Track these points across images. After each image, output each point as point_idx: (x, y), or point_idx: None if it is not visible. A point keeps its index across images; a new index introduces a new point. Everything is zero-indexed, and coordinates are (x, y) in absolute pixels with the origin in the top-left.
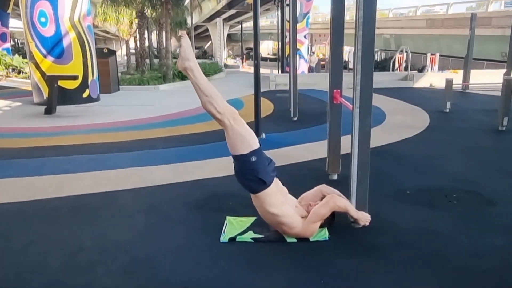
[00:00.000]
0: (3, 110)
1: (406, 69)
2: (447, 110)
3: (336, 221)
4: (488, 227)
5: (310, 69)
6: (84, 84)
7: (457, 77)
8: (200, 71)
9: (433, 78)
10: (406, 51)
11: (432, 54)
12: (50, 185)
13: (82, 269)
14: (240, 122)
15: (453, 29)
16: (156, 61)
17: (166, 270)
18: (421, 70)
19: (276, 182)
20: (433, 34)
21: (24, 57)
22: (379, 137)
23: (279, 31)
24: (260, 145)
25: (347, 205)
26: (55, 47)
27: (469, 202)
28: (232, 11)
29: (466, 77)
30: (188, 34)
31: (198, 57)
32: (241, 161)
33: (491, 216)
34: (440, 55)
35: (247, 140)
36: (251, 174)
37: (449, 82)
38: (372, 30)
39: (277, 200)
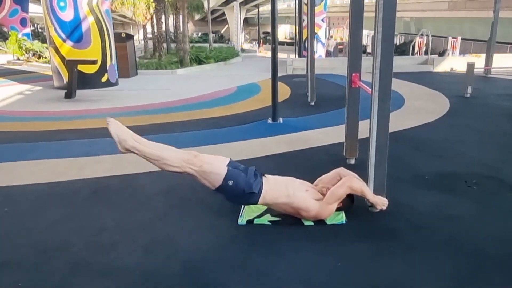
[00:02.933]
0: (25, 94)
1: (426, 53)
2: (468, 95)
3: (353, 205)
4: (508, 213)
5: (328, 53)
6: (103, 69)
7: (479, 61)
8: (140, 141)
9: (454, 62)
10: (427, 35)
11: (453, 38)
12: (72, 167)
13: (105, 248)
14: (199, 162)
15: (476, 12)
16: (173, 45)
17: (185, 250)
18: (442, 54)
19: (268, 180)
20: (455, 16)
21: (44, 41)
22: (398, 121)
23: (297, 14)
24: (229, 164)
25: (363, 188)
26: (74, 32)
27: (489, 188)
28: None
29: (488, 61)
30: (204, 18)
31: (215, 42)
32: (222, 191)
33: None
34: (462, 39)
35: (214, 173)
36: (239, 194)
37: (470, 66)
38: (392, 12)
39: (278, 192)
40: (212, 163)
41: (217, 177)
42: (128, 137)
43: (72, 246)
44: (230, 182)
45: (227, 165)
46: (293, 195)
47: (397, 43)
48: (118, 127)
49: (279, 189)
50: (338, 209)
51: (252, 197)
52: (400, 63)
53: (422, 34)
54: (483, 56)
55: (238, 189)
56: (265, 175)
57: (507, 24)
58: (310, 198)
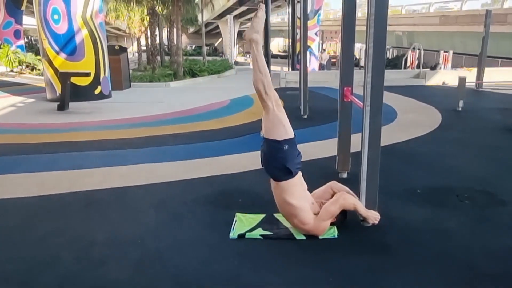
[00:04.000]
0: (17, 106)
1: (418, 66)
2: (460, 109)
3: (346, 220)
4: (500, 228)
5: (321, 67)
6: (96, 81)
7: (470, 75)
8: (261, 47)
9: (446, 76)
10: (419, 49)
11: (445, 52)
12: (63, 181)
13: (95, 263)
14: (281, 110)
15: (467, 26)
16: (167, 58)
17: (176, 265)
18: (434, 67)
19: (299, 175)
20: (447, 31)
21: (38, 54)
22: (390, 135)
23: (290, 28)
24: (295, 136)
25: (356, 203)
26: (67, 44)
27: (481, 202)
28: (243, 8)
29: (480, 75)
30: (198, 31)
31: (208, 54)
32: (272, 146)
33: (503, 216)
34: (454, 53)
35: (284, 128)
36: (279, 161)
37: (462, 80)
38: (383, 27)
39: (297, 192)
40: (287, 121)
41: (282, 133)
42: (261, 32)
43: (61, 261)
44: (286, 147)
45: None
46: (303, 202)
47: (390, 57)
48: (263, 19)
49: (299, 190)
50: (331, 224)
51: (284, 173)
52: (392, 76)
53: (414, 48)
54: (475, 70)
55: (284, 157)
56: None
57: (497, 39)
58: (311, 212)
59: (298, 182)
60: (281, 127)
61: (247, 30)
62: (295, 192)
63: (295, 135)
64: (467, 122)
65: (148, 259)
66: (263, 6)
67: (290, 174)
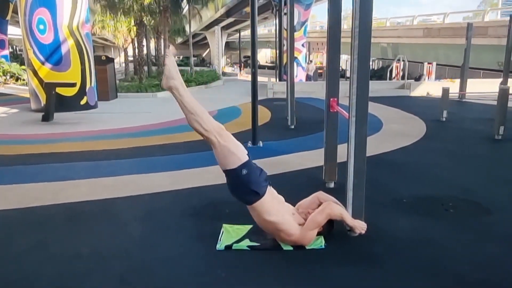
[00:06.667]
0: (1, 116)
1: (403, 77)
2: (444, 119)
3: (333, 229)
4: (485, 236)
5: (308, 77)
6: (82, 91)
7: (453, 86)
8: (185, 89)
9: (430, 87)
10: (403, 60)
11: (429, 63)
12: (47, 192)
13: (78, 277)
14: (227, 137)
15: (449, 39)
16: (154, 68)
17: (162, 278)
18: (418, 79)
19: (270, 191)
20: (430, 43)
21: (23, 64)
22: (376, 145)
23: (277, 39)
24: (249, 157)
25: (343, 212)
26: (53, 54)
27: (465, 211)
28: (230, 20)
29: (462, 86)
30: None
31: (196, 65)
32: (232, 175)
33: (488, 225)
34: (437, 64)
35: (235, 155)
36: (244, 187)
37: (445, 91)
38: (368, 39)
39: (273, 208)
40: (237, 145)
41: (236, 160)
42: (177, 77)
43: (44, 275)
44: (244, 171)
45: (247, 155)
46: (282, 216)
47: (375, 68)
48: (174, 64)
49: (274, 205)
50: (318, 233)
51: (253, 196)
52: (377, 87)
53: (399, 60)
54: (458, 81)
55: (246, 181)
56: (271, 185)
57: (479, 51)
58: (295, 222)
59: (270, 199)
60: (231, 155)
61: (163, 80)
62: (271, 208)
63: (249, 156)
64: (451, 132)
65: (134, 272)
66: (168, 51)
67: (258, 195)
